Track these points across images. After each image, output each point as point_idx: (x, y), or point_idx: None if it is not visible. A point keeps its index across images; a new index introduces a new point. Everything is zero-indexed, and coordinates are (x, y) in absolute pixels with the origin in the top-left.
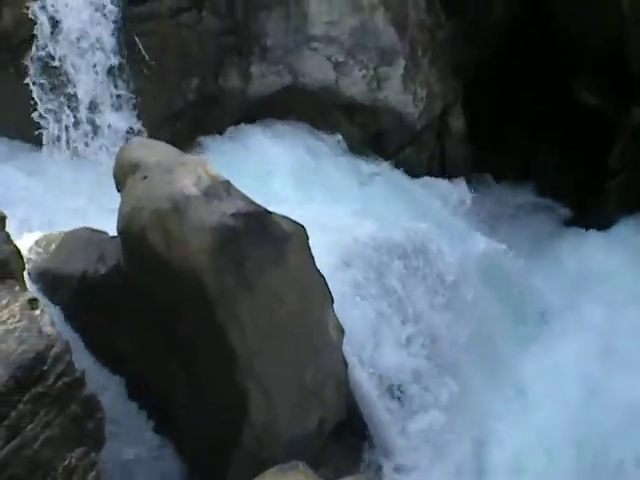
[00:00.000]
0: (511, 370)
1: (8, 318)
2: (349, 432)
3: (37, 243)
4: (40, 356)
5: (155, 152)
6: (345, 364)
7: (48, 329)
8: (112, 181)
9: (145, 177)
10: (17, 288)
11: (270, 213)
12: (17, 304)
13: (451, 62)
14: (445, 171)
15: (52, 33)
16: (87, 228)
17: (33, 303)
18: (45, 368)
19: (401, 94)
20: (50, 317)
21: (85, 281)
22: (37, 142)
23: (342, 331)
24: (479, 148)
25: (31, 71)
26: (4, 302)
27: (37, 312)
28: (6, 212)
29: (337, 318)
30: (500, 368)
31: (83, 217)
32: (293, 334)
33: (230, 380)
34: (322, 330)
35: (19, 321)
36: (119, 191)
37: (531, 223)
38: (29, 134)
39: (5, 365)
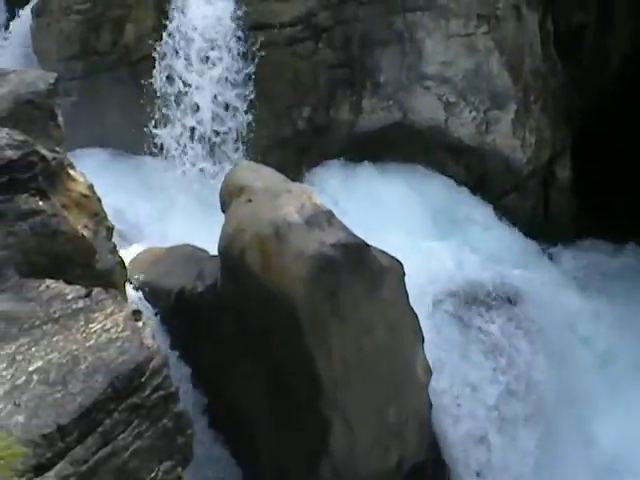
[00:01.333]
0: (599, 422)
1: (112, 327)
2: (428, 475)
3: (140, 255)
4: (139, 367)
5: (262, 177)
6: (430, 405)
7: (149, 342)
8: (216, 201)
9: (250, 200)
10: (121, 298)
11: (369, 246)
12: (121, 314)
13: (562, 110)
14: (548, 220)
15: (174, 52)
16: (188, 245)
17: (137, 315)
18: (143, 380)
19: (510, 139)
20: (151, 330)
21: (182, 297)
22: (150, 156)
23: (430, 372)
24: (584, 200)
25: (150, 87)
26: (108, 311)
27: (140, 324)
28: (114, 223)
29: (426, 358)
30: (589, 419)
31: (186, 234)
32: (380, 369)
33: (314, 408)
34: (409, 368)
35: (122, 331)
36: (223, 212)
37: (625, 283)
38: (142, 148)
39: (105, 373)
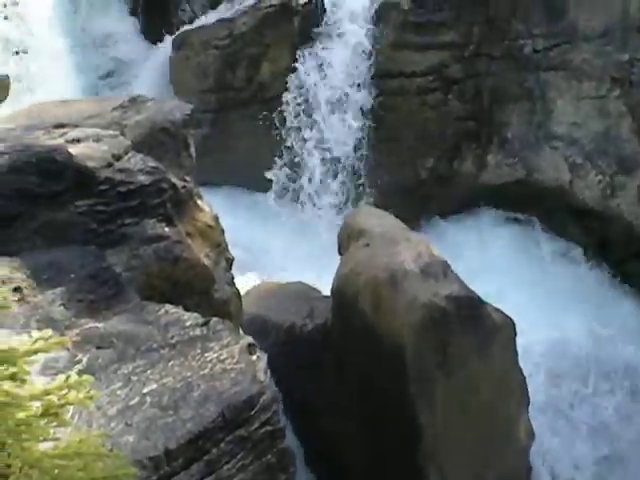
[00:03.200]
0: None
1: (227, 358)
2: None
3: (254, 288)
4: (251, 400)
5: (381, 222)
6: (529, 469)
7: (262, 376)
8: (333, 241)
9: (368, 245)
10: (236, 330)
11: (482, 301)
12: (237, 346)
13: None
14: None
15: (306, 93)
16: (301, 283)
17: (251, 348)
18: (252, 413)
19: (635, 205)
20: (265, 365)
21: (292, 333)
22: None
23: (532, 435)
24: None
25: (279, 125)
26: (225, 342)
27: (254, 357)
28: (234, 254)
29: (530, 421)
30: None
31: (300, 271)
32: (482, 427)
33: (411, 459)
34: (512, 430)
35: (237, 363)
36: (340, 253)
37: None
38: (267, 185)
39: (216, 402)
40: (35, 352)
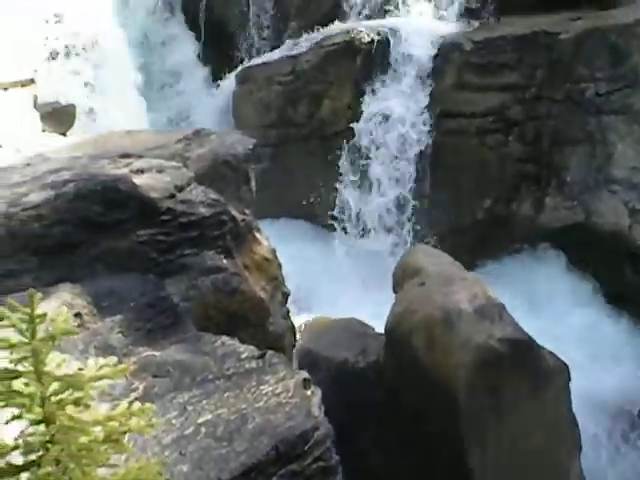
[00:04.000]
0: None
1: (282, 392)
2: None
3: (308, 323)
4: (304, 435)
5: (437, 262)
6: None
7: (316, 411)
8: (388, 278)
9: (423, 283)
10: (290, 364)
11: (537, 345)
12: (292, 380)
13: None
14: None
15: (366, 131)
16: (355, 319)
17: (306, 383)
18: (306, 448)
19: None
20: (319, 400)
21: (343, 369)
22: (329, 229)
23: None
24: None
25: (338, 162)
26: (280, 375)
27: (309, 392)
28: (289, 287)
29: (582, 469)
30: None
31: (354, 307)
32: (533, 473)
33: None
34: (563, 477)
35: (292, 397)
36: (395, 291)
37: None
38: (324, 220)
39: (271, 436)
40: (100, 378)
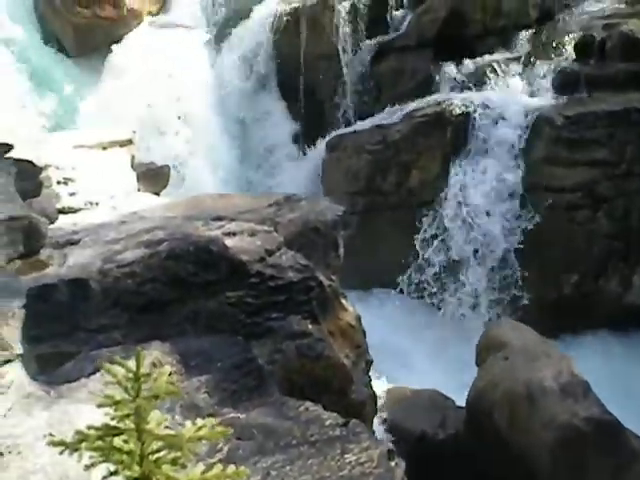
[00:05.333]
0: None
1: (366, 462)
2: None
3: (387, 392)
4: None
5: (522, 336)
6: None
7: None
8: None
9: (506, 358)
10: (374, 434)
11: (623, 427)
12: (377, 451)
13: None
14: None
15: (453, 202)
16: (435, 391)
17: (391, 454)
18: None
19: None
20: (403, 472)
21: (423, 441)
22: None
23: None
24: None
25: (428, 233)
26: (364, 445)
27: (393, 464)
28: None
29: None
30: None
31: (434, 379)
32: None
33: None
34: None
35: (376, 467)
36: (477, 364)
37: None
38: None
39: None
40: (199, 439)
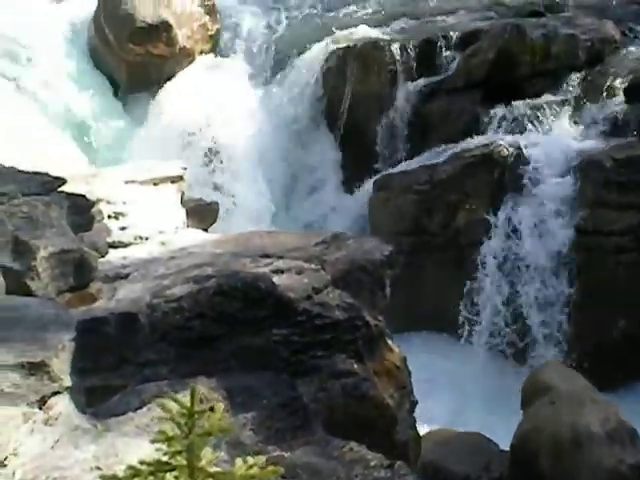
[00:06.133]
0: None
1: None
2: None
3: (430, 434)
4: None
5: (568, 381)
6: None
7: None
8: (516, 393)
9: (553, 402)
10: (419, 476)
11: None
12: None
13: None
14: None
15: (504, 244)
16: (478, 434)
17: None
18: None
19: None
20: None
21: None
22: (459, 339)
23: None
24: None
25: (475, 274)
26: None
27: None
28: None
29: None
30: None
31: (478, 422)
32: None
33: None
34: None
35: None
36: (522, 408)
37: None
38: (455, 328)
39: None
40: (251, 477)
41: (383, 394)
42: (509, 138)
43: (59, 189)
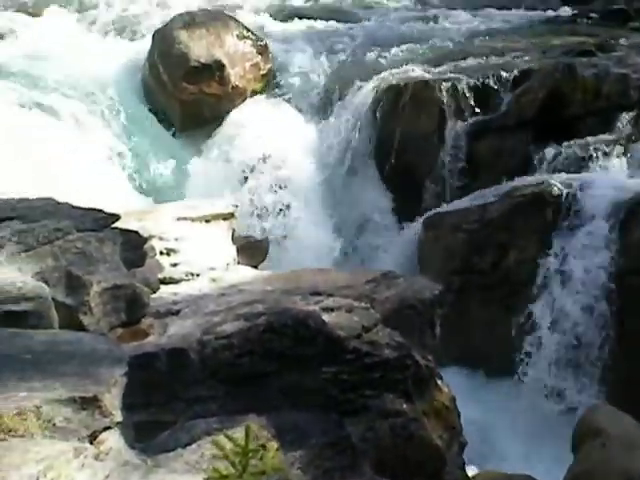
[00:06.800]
0: None
1: None
2: None
3: (478, 475)
4: None
5: (619, 423)
6: None
7: None
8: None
9: (604, 445)
10: None
11: None
12: None
13: None
14: None
15: (554, 283)
16: (528, 476)
17: None
18: None
19: None
20: None
21: None
22: (512, 382)
23: None
24: None
25: (525, 314)
26: None
27: None
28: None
29: None
30: None
31: (527, 463)
32: None
33: None
34: None
35: None
36: (573, 451)
37: None
38: (504, 369)
39: None
40: None
41: (432, 435)
42: (560, 177)
43: (113, 225)
